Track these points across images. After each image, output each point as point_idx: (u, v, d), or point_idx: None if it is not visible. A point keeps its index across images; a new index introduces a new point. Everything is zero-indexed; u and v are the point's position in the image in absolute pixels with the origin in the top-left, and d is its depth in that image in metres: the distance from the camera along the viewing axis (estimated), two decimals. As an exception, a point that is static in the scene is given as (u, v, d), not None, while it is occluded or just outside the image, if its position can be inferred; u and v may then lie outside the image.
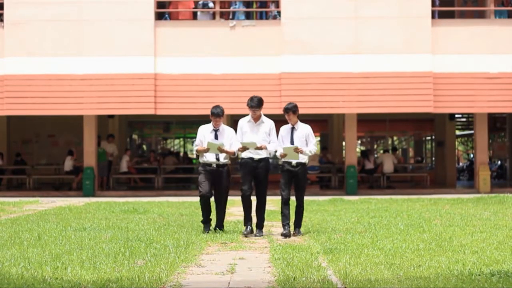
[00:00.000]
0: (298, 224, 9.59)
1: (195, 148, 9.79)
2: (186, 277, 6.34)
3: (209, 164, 9.60)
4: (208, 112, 9.70)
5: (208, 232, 9.46)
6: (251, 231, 9.45)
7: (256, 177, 9.52)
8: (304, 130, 9.54)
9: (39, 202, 16.42)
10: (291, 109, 9.49)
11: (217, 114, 9.59)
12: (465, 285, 5.71)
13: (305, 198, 9.67)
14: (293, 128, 9.54)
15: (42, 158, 24.76)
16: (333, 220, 11.08)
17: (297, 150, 9.23)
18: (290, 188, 9.52)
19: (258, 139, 9.46)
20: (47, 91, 18.51)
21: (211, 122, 9.69)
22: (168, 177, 22.85)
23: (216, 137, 9.56)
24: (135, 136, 28.25)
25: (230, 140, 9.62)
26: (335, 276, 6.22)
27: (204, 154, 9.57)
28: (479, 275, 6.06)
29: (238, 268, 6.80)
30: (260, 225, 9.63)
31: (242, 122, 9.72)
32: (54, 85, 18.49)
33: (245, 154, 9.54)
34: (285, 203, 9.44)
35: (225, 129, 9.75)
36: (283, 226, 9.41)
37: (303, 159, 9.43)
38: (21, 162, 23.02)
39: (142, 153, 27.55)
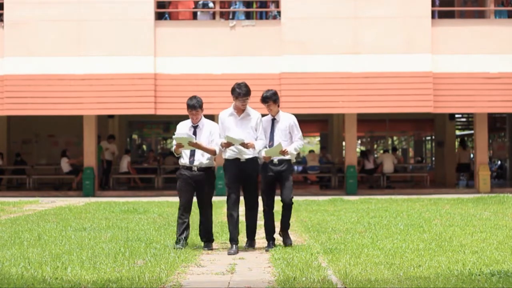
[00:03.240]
0: (284, 227, 8.18)
1: (173, 147, 8.17)
2: (186, 277, 6.34)
3: (189, 168, 8.09)
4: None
5: (181, 248, 7.83)
6: (237, 251, 7.86)
7: (244, 182, 8.03)
8: (286, 121, 8.16)
9: (39, 202, 16.42)
10: (271, 97, 8.08)
11: (192, 106, 8.03)
12: (465, 285, 5.71)
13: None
14: (274, 120, 8.17)
15: (42, 158, 24.76)
16: (333, 220, 11.07)
17: (282, 152, 7.90)
18: (273, 196, 8.15)
19: (244, 136, 7.94)
20: (47, 91, 18.50)
21: (190, 119, 8.22)
22: (168, 177, 22.85)
23: (194, 134, 8.06)
24: (135, 136, 28.25)
25: (212, 136, 8.09)
26: (335, 276, 6.22)
27: (183, 155, 8.12)
28: (479, 275, 6.06)
29: (238, 268, 6.81)
30: (251, 236, 8.23)
31: (223, 116, 8.14)
32: (54, 85, 18.48)
33: (228, 155, 8.04)
34: (267, 214, 8.10)
35: (206, 124, 8.17)
36: (267, 239, 8.14)
37: (288, 156, 8.05)
38: (21, 162, 23.02)
39: (142, 153, 27.56)
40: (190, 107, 8.05)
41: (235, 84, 8.02)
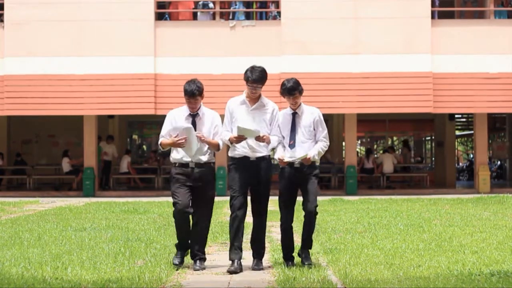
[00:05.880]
0: (306, 244, 6.81)
1: (160, 139, 6.81)
2: (186, 277, 6.34)
3: (185, 164, 6.71)
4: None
5: (179, 265, 6.73)
6: (241, 268, 6.59)
7: (254, 184, 6.65)
8: (310, 116, 6.72)
9: (39, 202, 16.42)
10: (297, 87, 6.58)
11: (191, 93, 6.62)
12: (465, 285, 5.71)
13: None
14: (295, 114, 6.74)
15: (42, 158, 24.74)
16: (333, 220, 11.08)
17: (305, 160, 6.65)
18: (293, 207, 6.83)
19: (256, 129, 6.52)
20: (47, 91, 18.51)
21: (185, 106, 6.81)
22: (168, 177, 22.77)
23: (193, 125, 6.68)
24: (135, 136, 28.24)
25: (215, 129, 6.76)
26: (335, 276, 6.22)
27: (176, 149, 6.72)
28: (479, 275, 6.06)
29: (238, 268, 6.80)
30: (259, 253, 6.82)
31: (233, 104, 6.72)
32: (54, 85, 18.49)
33: (237, 152, 6.63)
34: (284, 230, 6.85)
35: (206, 114, 6.79)
36: (285, 259, 6.86)
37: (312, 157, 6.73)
38: (21, 162, 23.02)
39: (143, 153, 27.55)
40: (188, 94, 6.65)
41: (249, 67, 6.67)
